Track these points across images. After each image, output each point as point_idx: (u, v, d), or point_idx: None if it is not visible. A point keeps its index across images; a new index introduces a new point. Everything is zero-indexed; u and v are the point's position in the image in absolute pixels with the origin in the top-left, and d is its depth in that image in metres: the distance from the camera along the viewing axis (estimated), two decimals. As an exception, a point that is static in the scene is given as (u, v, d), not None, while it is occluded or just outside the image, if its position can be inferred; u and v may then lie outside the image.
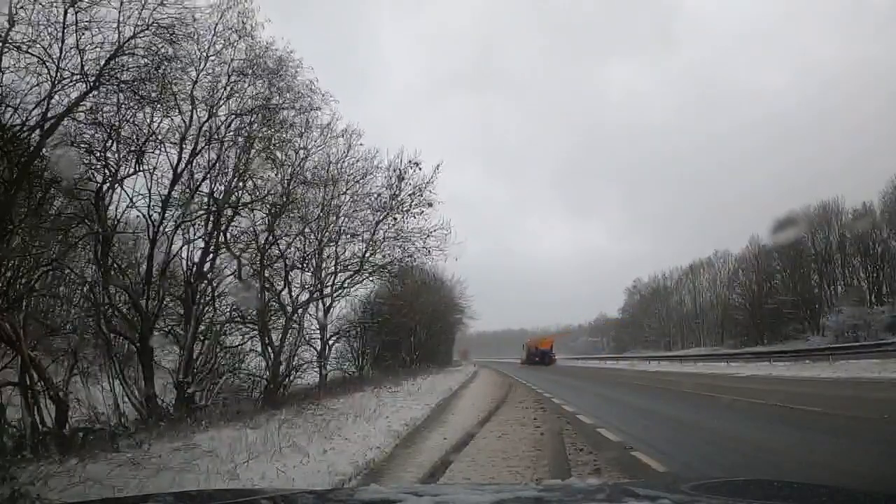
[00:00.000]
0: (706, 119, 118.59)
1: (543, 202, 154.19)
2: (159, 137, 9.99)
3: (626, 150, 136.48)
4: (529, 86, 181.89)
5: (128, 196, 9.86)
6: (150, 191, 10.13)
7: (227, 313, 12.38)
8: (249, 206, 12.25)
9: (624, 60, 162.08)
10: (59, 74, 8.00)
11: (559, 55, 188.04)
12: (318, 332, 17.07)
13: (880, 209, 40.84)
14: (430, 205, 14.95)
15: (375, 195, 15.24)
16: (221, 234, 11.55)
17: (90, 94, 8.36)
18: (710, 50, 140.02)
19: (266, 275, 13.76)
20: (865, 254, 41.94)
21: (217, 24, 10.30)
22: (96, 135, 9.02)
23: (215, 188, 11.21)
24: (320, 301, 16.40)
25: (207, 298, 11.49)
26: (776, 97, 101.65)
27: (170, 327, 11.10)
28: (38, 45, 7.86)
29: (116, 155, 9.32)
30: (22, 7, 7.60)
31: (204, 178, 10.98)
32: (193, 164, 10.70)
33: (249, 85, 11.19)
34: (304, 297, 15.16)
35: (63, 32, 7.93)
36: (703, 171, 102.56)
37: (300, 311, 14.77)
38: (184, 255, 11.06)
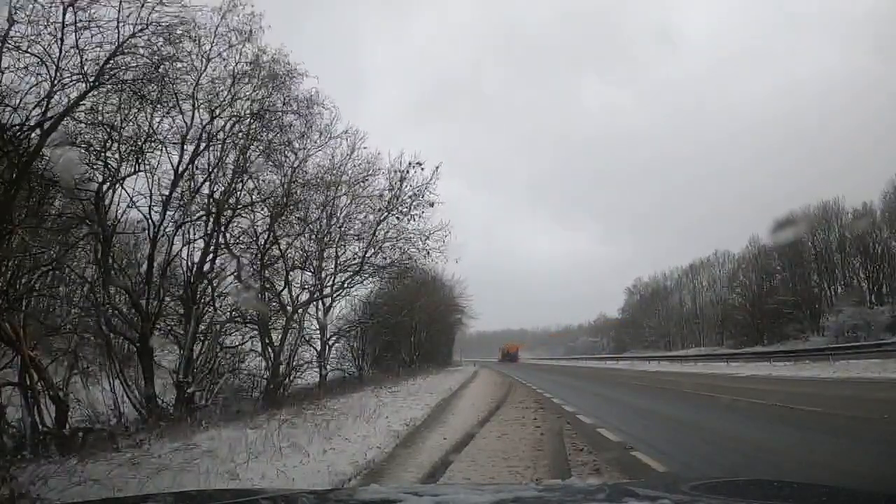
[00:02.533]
0: (706, 124, 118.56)
1: (543, 206, 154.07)
2: (160, 138, 10.01)
3: (625, 154, 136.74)
4: (523, 96, 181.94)
5: (128, 196, 9.88)
6: (150, 191, 10.15)
7: (228, 313, 12.38)
8: (250, 206, 12.26)
9: (623, 72, 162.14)
10: (58, 74, 8.00)
11: (550, 73, 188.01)
12: (318, 332, 17.11)
13: (880, 209, 40.84)
14: (432, 204, 15.03)
15: (377, 196, 15.31)
16: (222, 234, 11.56)
17: (90, 94, 8.36)
18: (709, 58, 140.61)
19: (266, 275, 13.78)
20: (865, 254, 41.90)
21: (218, 27, 10.29)
22: (96, 135, 9.03)
23: (215, 189, 11.23)
24: (320, 301, 16.43)
25: (207, 298, 11.48)
26: (776, 101, 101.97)
27: (170, 327, 11.10)
28: (38, 45, 7.86)
29: (117, 155, 9.32)
30: (21, 7, 7.60)
31: (205, 179, 10.99)
32: (195, 165, 10.71)
33: (252, 89, 11.20)
34: (305, 297, 15.23)
35: (62, 32, 7.92)
36: (703, 173, 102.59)
37: (300, 311, 14.80)
38: (184, 255, 11.08)
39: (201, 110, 10.47)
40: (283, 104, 11.69)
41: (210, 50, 10.32)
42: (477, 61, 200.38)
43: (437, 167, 14.98)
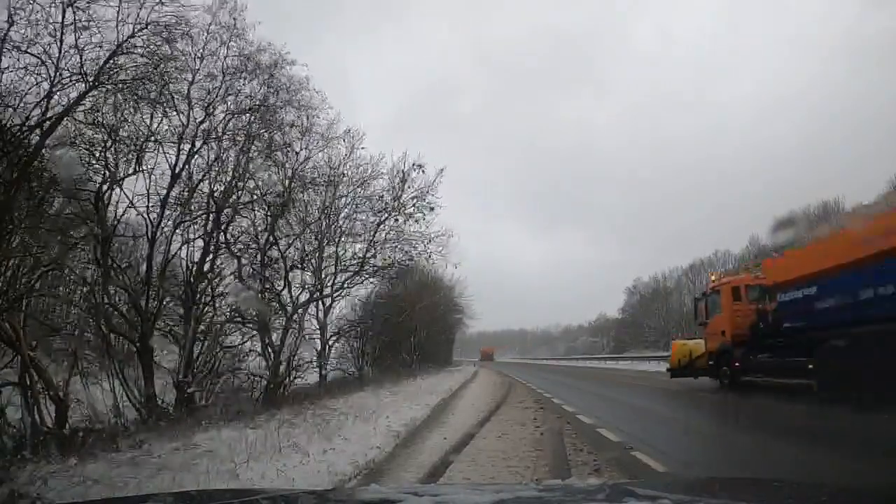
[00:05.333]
0: (705, 129, 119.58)
1: (541, 210, 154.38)
2: (157, 138, 10.01)
3: (622, 160, 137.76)
4: (506, 112, 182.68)
5: (127, 197, 9.88)
6: (148, 191, 10.16)
7: (227, 313, 12.38)
8: (249, 206, 12.26)
9: (621, 83, 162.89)
10: (58, 74, 8.00)
11: (531, 91, 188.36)
12: (318, 332, 17.11)
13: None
14: (432, 209, 14.99)
15: (377, 197, 15.29)
16: (221, 234, 11.56)
17: (89, 94, 8.36)
18: (701, 66, 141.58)
19: (266, 275, 13.78)
20: (865, 254, 41.84)
21: (210, 24, 10.34)
22: (96, 135, 9.03)
23: (215, 188, 11.22)
24: (320, 301, 16.43)
25: (207, 298, 11.49)
26: (777, 105, 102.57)
27: (170, 327, 11.10)
28: (38, 45, 7.87)
29: (115, 155, 9.33)
30: (21, 7, 7.60)
31: (203, 178, 11.00)
32: (192, 164, 10.73)
33: (245, 83, 11.21)
34: (304, 297, 15.22)
35: (62, 32, 7.92)
36: (704, 175, 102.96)
37: (300, 311, 14.79)
38: (183, 255, 11.09)
39: (196, 108, 10.51)
40: (275, 94, 11.65)
41: (203, 48, 10.37)
42: (459, 80, 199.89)
43: (442, 170, 14.98)
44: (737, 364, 13.11)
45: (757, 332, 12.68)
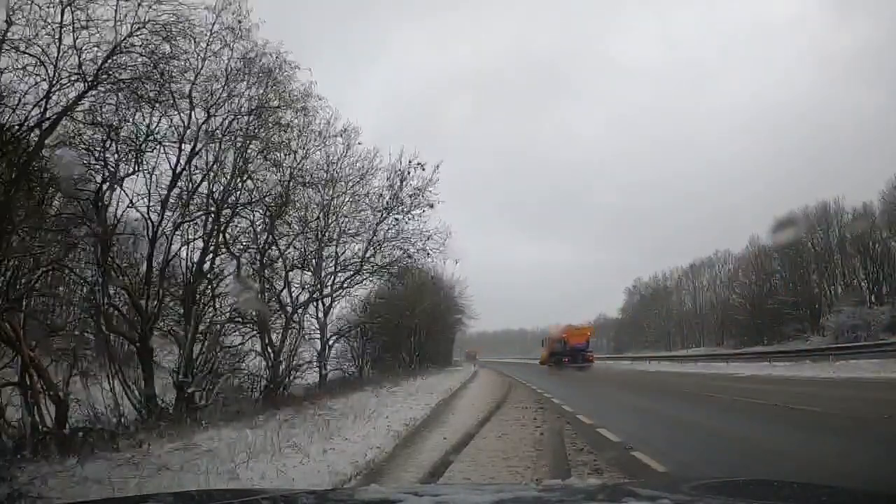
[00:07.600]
0: (706, 131, 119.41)
1: (542, 208, 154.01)
2: (157, 137, 9.97)
3: (625, 159, 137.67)
4: (499, 122, 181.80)
5: (127, 196, 9.85)
6: (149, 191, 10.12)
7: (227, 313, 12.36)
8: (248, 206, 12.24)
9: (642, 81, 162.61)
10: (57, 74, 7.96)
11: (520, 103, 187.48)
12: (318, 332, 17.11)
13: (880, 209, 40.81)
14: (432, 206, 14.99)
15: (377, 195, 15.28)
16: (221, 234, 11.54)
17: (88, 94, 8.33)
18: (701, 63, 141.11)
19: (266, 275, 13.78)
20: (865, 254, 41.89)
21: (213, 25, 10.27)
22: (95, 135, 9.02)
23: (214, 188, 11.20)
24: (320, 301, 16.43)
25: (207, 298, 11.47)
26: (778, 105, 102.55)
27: (170, 327, 11.08)
28: (36, 45, 7.84)
29: (115, 155, 9.31)
30: (19, 7, 7.59)
31: (203, 179, 10.96)
32: (192, 165, 10.69)
33: (248, 86, 11.17)
34: (304, 297, 15.22)
35: (60, 32, 7.89)
36: (704, 175, 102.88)
37: (300, 311, 14.80)
38: (183, 255, 11.06)
39: (198, 109, 10.46)
40: (279, 99, 11.64)
41: (206, 49, 10.30)
42: (447, 95, 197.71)
43: (438, 165, 14.90)
44: (550, 362, 39.95)
45: (552, 354, 40.38)
